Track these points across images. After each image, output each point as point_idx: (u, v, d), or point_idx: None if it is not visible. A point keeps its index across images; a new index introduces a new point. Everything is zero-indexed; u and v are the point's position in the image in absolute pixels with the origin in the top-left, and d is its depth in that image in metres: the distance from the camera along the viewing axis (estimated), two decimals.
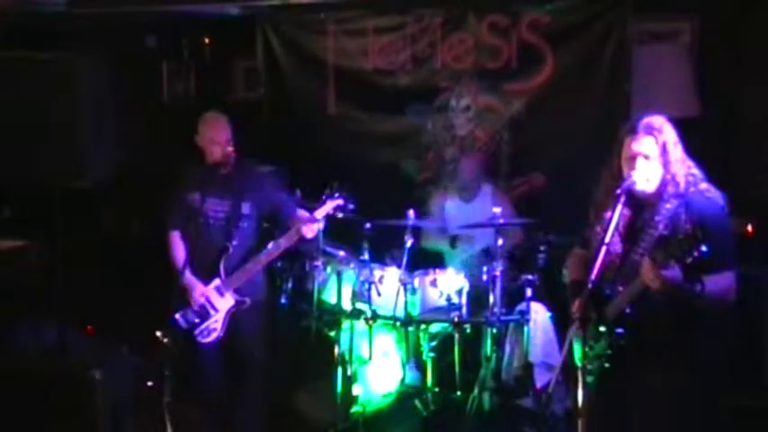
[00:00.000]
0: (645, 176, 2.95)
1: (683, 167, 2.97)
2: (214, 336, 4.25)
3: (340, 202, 4.33)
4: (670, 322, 2.91)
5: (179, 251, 4.31)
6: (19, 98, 3.53)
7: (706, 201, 2.92)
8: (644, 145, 2.95)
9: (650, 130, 2.95)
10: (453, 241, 5.22)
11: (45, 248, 5.11)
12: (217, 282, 4.25)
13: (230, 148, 4.26)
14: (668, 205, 2.93)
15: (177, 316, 4.14)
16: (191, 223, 4.32)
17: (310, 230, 4.23)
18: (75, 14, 5.63)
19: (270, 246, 4.28)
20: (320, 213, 4.28)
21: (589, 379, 2.92)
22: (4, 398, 3.55)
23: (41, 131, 3.53)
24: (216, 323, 4.24)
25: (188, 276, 4.22)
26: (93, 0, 5.68)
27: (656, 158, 2.94)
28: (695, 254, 2.63)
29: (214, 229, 4.28)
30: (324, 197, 4.33)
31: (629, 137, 2.99)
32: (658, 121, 2.99)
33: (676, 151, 2.97)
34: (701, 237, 2.64)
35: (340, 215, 4.38)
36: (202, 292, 4.21)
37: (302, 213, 4.30)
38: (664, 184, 2.95)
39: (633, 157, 2.97)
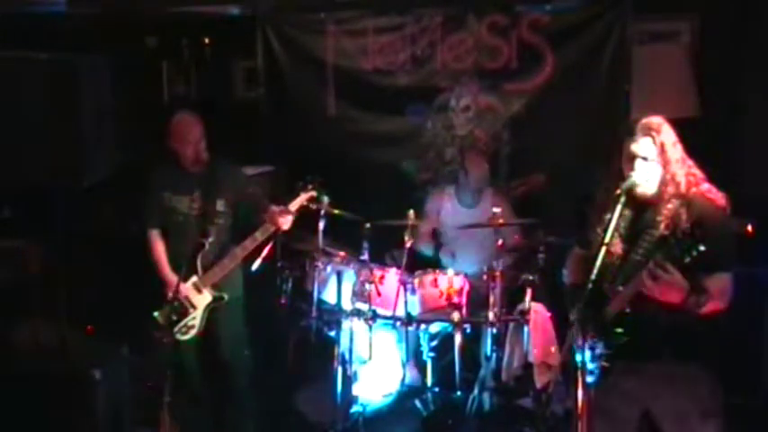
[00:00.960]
0: (644, 177, 2.96)
1: (683, 167, 2.97)
2: (193, 332, 4.26)
3: (313, 193, 4.35)
4: (669, 322, 2.91)
5: (160, 250, 4.34)
6: (19, 98, 3.53)
7: (707, 201, 2.92)
8: (642, 146, 2.95)
9: (648, 131, 2.95)
10: (438, 247, 5.22)
11: (45, 248, 5.10)
12: (194, 278, 4.26)
13: (203, 147, 4.29)
14: (669, 206, 2.92)
15: (156, 314, 4.15)
16: (167, 222, 4.34)
17: (286, 222, 4.24)
18: (75, 14, 5.63)
19: (246, 241, 4.30)
20: (294, 205, 4.29)
21: (589, 379, 2.93)
22: (4, 398, 3.55)
23: (41, 131, 3.53)
24: (194, 320, 4.25)
25: (167, 274, 4.25)
26: (93, 0, 5.68)
27: (654, 159, 2.94)
28: (693, 253, 2.63)
29: (190, 226, 4.30)
30: (297, 189, 4.34)
31: (627, 138, 2.99)
32: (657, 121, 2.99)
33: (675, 151, 2.97)
34: (700, 236, 2.64)
35: (314, 206, 4.39)
36: (180, 289, 4.22)
37: (275, 207, 4.30)
38: (664, 184, 2.95)
39: (632, 159, 2.97)
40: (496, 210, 4.68)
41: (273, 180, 5.41)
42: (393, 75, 5.77)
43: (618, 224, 2.93)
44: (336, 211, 4.53)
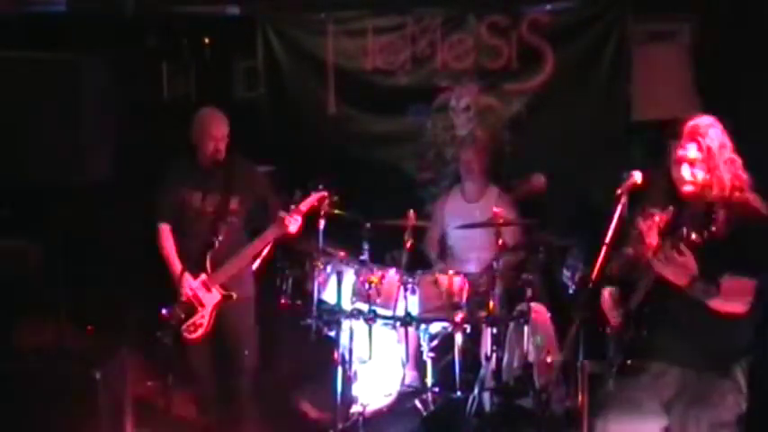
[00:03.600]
0: (689, 180, 2.94)
1: (729, 171, 2.95)
2: (201, 331, 4.26)
3: (324, 194, 4.35)
4: (691, 323, 2.91)
5: (169, 244, 4.33)
6: (19, 98, 3.54)
7: (749, 208, 2.89)
8: (688, 150, 2.94)
9: (695, 135, 2.94)
10: (443, 252, 5.22)
11: (45, 248, 5.11)
12: (203, 277, 4.25)
13: (224, 146, 4.28)
14: (709, 206, 2.89)
15: (164, 310, 4.14)
16: (179, 217, 4.33)
17: (292, 223, 4.23)
18: (75, 14, 5.63)
19: (255, 241, 4.30)
20: (304, 206, 4.30)
21: (613, 370, 2.94)
22: (4, 398, 3.55)
23: (42, 131, 3.53)
24: (202, 318, 4.25)
25: (176, 270, 4.24)
26: (94, 0, 5.68)
27: (700, 162, 2.93)
28: (705, 233, 2.62)
29: (202, 223, 4.29)
30: (308, 190, 4.35)
31: (675, 141, 2.99)
32: (704, 123, 2.97)
33: (722, 154, 2.95)
34: (736, 240, 2.64)
35: (325, 208, 4.39)
36: (189, 286, 4.22)
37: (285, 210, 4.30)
38: (708, 186, 2.93)
39: (679, 162, 2.96)
40: (497, 209, 4.67)
41: (273, 180, 5.40)
42: (393, 75, 5.77)
43: (660, 221, 2.93)
44: (337, 211, 4.53)
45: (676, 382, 3.00)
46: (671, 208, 3.00)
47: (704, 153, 2.93)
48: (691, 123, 2.98)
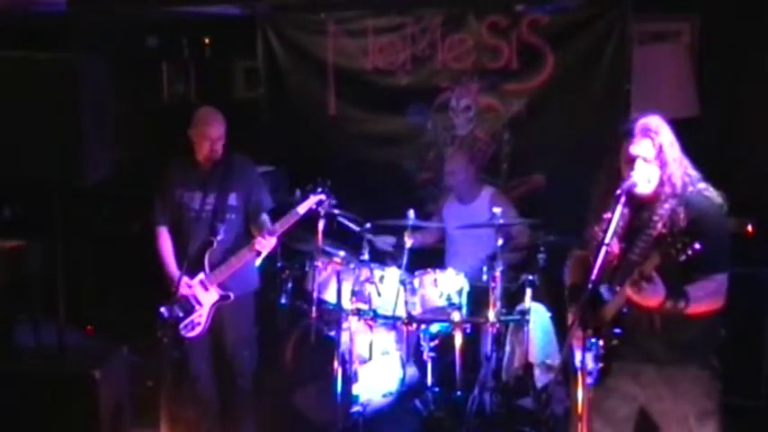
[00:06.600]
0: (644, 178, 2.96)
1: (680, 167, 2.98)
2: (198, 330, 4.27)
3: (322, 197, 4.35)
4: (666, 322, 2.91)
5: (166, 247, 4.32)
6: (19, 98, 3.54)
7: (704, 200, 2.93)
8: (642, 147, 2.95)
9: (647, 132, 2.96)
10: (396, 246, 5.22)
11: (45, 248, 5.11)
12: (201, 276, 4.25)
13: (220, 146, 4.28)
14: (666, 205, 2.93)
15: (162, 309, 4.15)
16: (177, 217, 4.33)
17: (265, 246, 4.25)
18: (75, 14, 5.63)
19: (243, 250, 4.31)
20: (302, 208, 4.30)
21: (588, 380, 2.93)
22: (4, 398, 3.56)
23: (41, 131, 3.53)
24: (200, 317, 4.25)
25: (174, 270, 4.24)
26: (93, 0, 5.68)
27: (653, 160, 2.95)
28: (689, 252, 2.63)
29: (201, 222, 4.29)
30: (306, 192, 4.35)
31: (626, 139, 2.99)
32: (655, 122, 2.99)
33: (673, 151, 2.98)
34: (696, 235, 2.65)
35: (322, 211, 4.39)
36: (187, 285, 4.22)
37: (267, 227, 4.28)
38: (661, 184, 2.96)
39: (632, 160, 2.97)
40: (497, 210, 4.67)
41: (274, 180, 5.41)
42: (393, 75, 5.77)
43: (616, 224, 2.94)
44: (337, 212, 4.53)
45: (655, 380, 3.00)
46: (625, 212, 3.00)
47: (656, 149, 2.94)
48: (642, 121, 2.99)
